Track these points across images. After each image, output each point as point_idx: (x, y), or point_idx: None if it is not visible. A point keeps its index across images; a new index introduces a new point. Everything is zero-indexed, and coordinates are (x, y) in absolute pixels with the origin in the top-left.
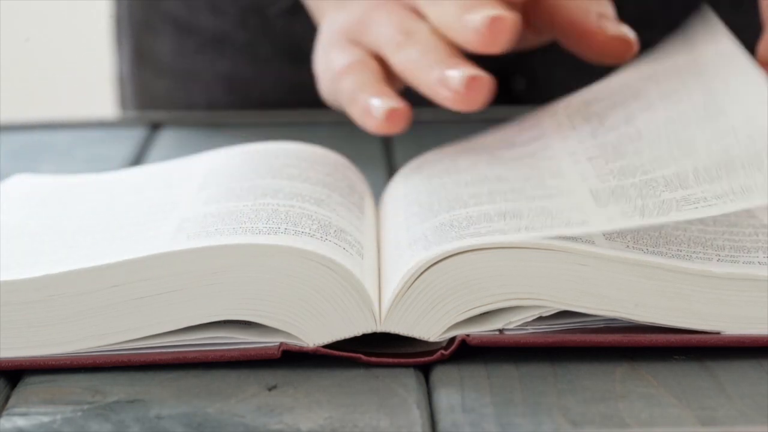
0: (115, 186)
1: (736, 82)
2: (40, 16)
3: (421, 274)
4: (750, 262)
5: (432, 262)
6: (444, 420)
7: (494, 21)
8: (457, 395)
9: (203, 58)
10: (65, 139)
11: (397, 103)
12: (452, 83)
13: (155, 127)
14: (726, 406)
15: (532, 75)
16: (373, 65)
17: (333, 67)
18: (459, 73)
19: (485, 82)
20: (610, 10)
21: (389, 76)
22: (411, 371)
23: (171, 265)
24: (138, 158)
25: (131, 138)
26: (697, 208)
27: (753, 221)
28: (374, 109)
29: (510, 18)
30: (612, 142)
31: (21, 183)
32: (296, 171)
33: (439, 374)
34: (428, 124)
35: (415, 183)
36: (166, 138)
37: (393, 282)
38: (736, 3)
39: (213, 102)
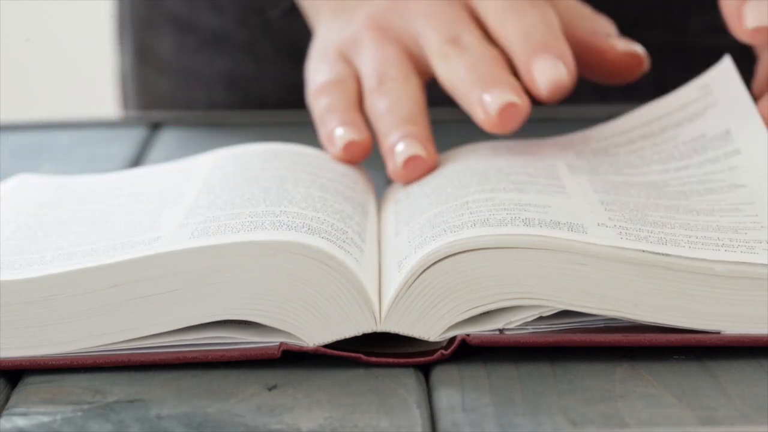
0: (116, 186)
1: (749, 143)
2: (40, 16)
3: (421, 273)
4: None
5: (432, 262)
6: (444, 420)
7: (508, 107)
8: (457, 395)
9: (203, 57)
10: (65, 139)
11: (357, 135)
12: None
13: (155, 126)
14: (726, 406)
15: None
16: (350, 87)
17: (314, 80)
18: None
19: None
20: (614, 29)
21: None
22: (411, 371)
23: (171, 264)
24: (138, 158)
25: (132, 138)
26: (703, 247)
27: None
28: (336, 138)
29: (523, 105)
30: (612, 179)
31: (21, 183)
32: (298, 174)
33: (439, 374)
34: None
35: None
36: (167, 138)
37: (393, 282)
38: None
39: (213, 100)
